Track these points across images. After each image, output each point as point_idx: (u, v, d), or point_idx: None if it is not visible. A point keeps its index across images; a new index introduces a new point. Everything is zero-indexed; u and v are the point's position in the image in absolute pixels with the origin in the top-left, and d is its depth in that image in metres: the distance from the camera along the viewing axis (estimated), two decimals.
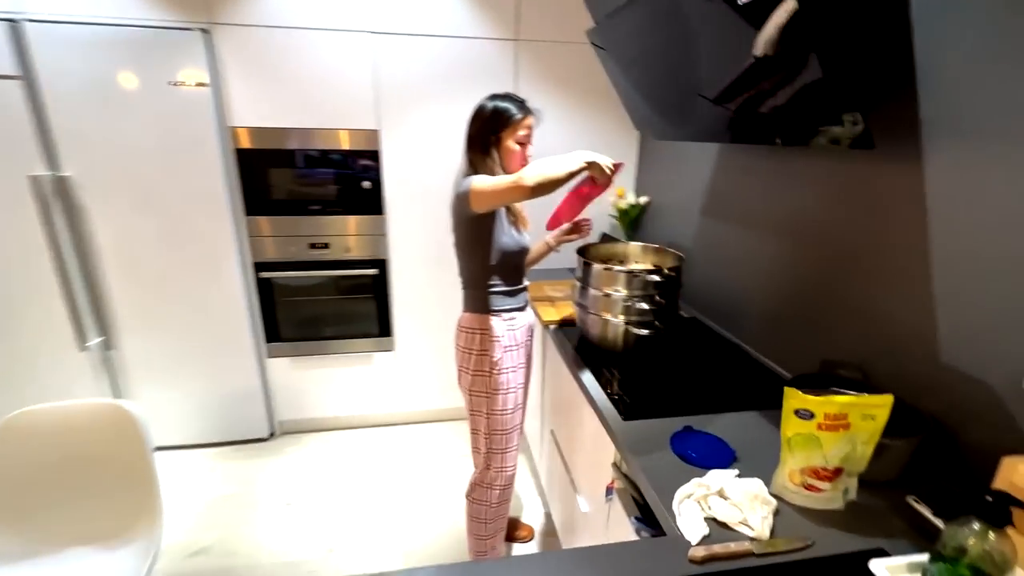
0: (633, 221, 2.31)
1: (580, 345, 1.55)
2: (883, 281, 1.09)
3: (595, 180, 1.29)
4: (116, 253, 2.05)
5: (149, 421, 1.24)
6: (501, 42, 2.15)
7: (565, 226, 1.65)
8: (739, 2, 0.94)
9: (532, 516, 2.02)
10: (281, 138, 2.09)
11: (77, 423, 1.22)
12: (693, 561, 0.75)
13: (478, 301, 1.43)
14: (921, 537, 0.79)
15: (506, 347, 1.43)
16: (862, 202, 1.14)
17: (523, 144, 1.36)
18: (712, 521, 0.83)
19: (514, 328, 1.45)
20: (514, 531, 1.87)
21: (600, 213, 2.37)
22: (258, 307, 2.28)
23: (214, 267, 2.15)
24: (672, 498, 0.87)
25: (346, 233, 2.26)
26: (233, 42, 1.95)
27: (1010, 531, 0.63)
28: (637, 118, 1.96)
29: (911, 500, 0.84)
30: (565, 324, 1.71)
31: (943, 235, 0.95)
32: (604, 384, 1.31)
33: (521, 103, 1.35)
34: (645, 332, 1.39)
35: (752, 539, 0.79)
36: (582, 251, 1.53)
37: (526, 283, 1.52)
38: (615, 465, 1.16)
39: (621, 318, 1.40)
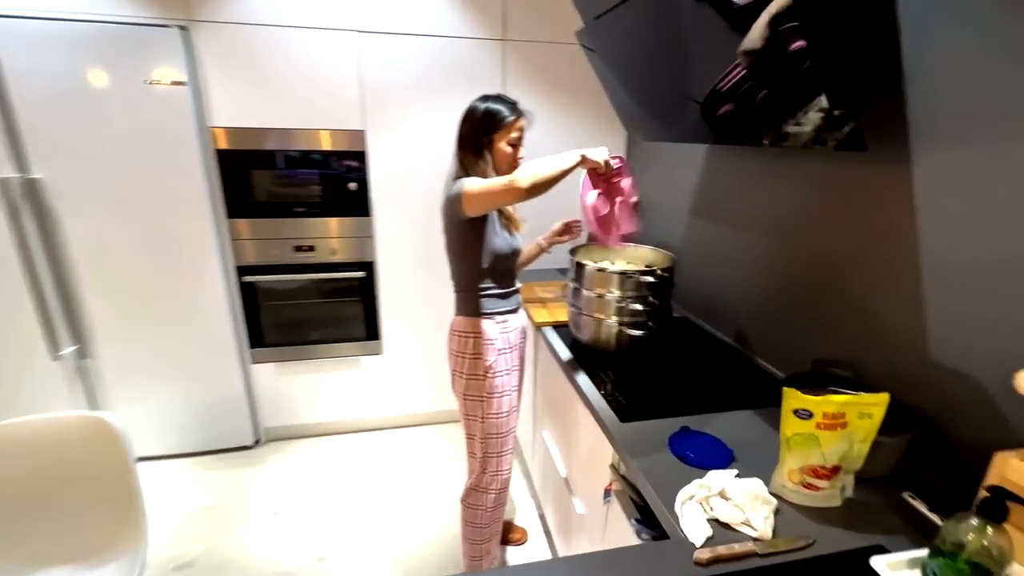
0: None
1: (573, 346, 1.55)
2: (873, 280, 1.11)
3: (599, 172, 1.27)
4: (91, 258, 1.98)
5: (130, 432, 1.19)
6: (488, 42, 2.13)
7: (557, 227, 1.65)
8: (737, 3, 0.94)
9: (526, 518, 2.01)
10: (263, 139, 2.04)
11: (55, 437, 1.16)
12: (698, 563, 0.75)
13: (470, 304, 1.41)
14: (918, 532, 0.81)
15: (500, 350, 1.42)
16: (851, 202, 1.16)
17: (515, 146, 1.35)
18: (714, 522, 0.83)
19: (507, 331, 1.44)
20: (508, 534, 1.86)
21: None
22: (241, 312, 2.23)
23: (195, 271, 2.08)
24: (673, 500, 0.88)
25: (332, 236, 2.22)
26: (213, 40, 1.89)
27: (1007, 526, 0.65)
28: (627, 119, 1.97)
29: (907, 496, 0.85)
30: (557, 326, 1.71)
31: (931, 235, 0.97)
32: (599, 386, 1.31)
33: (513, 105, 1.34)
34: (638, 333, 1.39)
35: (755, 539, 0.79)
36: (574, 252, 1.53)
37: (518, 285, 1.51)
38: (613, 467, 1.16)
39: (614, 319, 1.40)
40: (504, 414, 1.45)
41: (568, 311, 1.54)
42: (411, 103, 2.14)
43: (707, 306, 1.78)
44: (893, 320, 1.06)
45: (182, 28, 1.84)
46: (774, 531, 0.81)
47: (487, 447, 1.47)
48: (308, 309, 2.31)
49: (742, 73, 1.09)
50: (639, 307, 1.37)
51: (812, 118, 1.03)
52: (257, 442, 2.43)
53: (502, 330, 1.43)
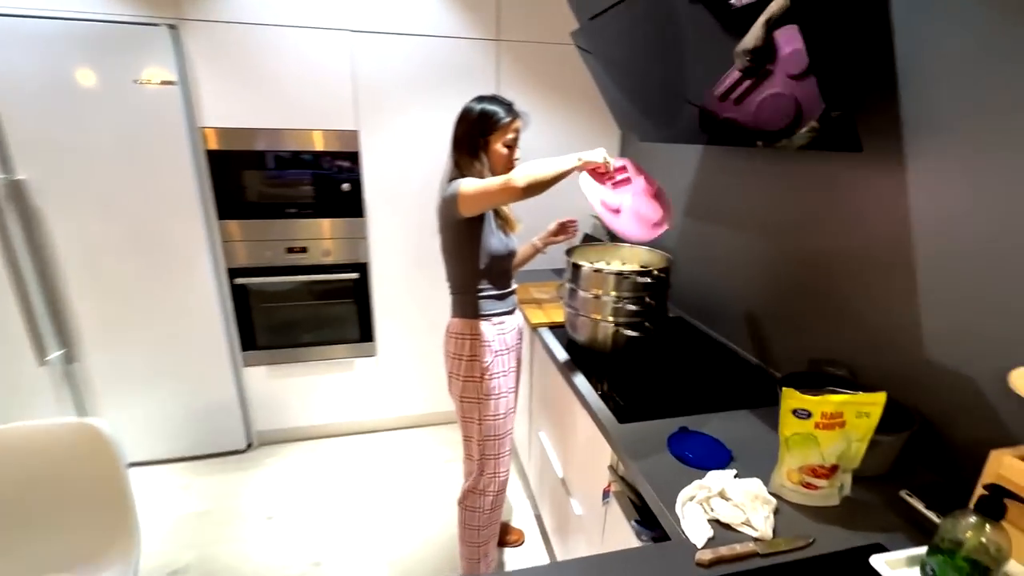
0: None
1: (569, 347, 1.55)
2: (868, 280, 1.12)
3: (600, 172, 1.26)
4: (78, 260, 1.94)
5: (120, 438, 1.17)
6: (482, 42, 2.12)
7: (552, 227, 1.64)
8: (735, 5, 0.95)
9: (522, 520, 2.01)
10: (255, 139, 2.02)
11: (43, 444, 1.14)
12: (700, 565, 0.75)
13: (467, 306, 1.41)
14: (915, 530, 0.82)
15: (497, 352, 1.42)
16: (845, 202, 1.17)
17: (511, 147, 1.35)
18: (714, 523, 0.83)
19: (504, 332, 1.44)
20: (505, 536, 1.86)
21: (583, 214, 2.37)
22: (233, 314, 2.20)
23: (185, 274, 2.05)
24: (673, 501, 0.88)
25: (325, 237, 2.20)
26: (203, 39, 1.87)
27: (1004, 523, 0.65)
28: (621, 120, 1.97)
29: (904, 494, 0.86)
30: (553, 327, 1.71)
31: (926, 233, 0.98)
32: (596, 387, 1.31)
33: (509, 106, 1.34)
34: (635, 333, 1.39)
35: (756, 539, 0.80)
36: (570, 253, 1.53)
37: (515, 286, 1.51)
38: (612, 468, 1.16)
39: (611, 320, 1.41)
40: (501, 416, 1.45)
41: (564, 312, 1.54)
42: (405, 103, 2.13)
43: (702, 306, 1.79)
44: (888, 319, 1.07)
45: (171, 27, 1.81)
46: (774, 531, 0.82)
47: (484, 449, 1.46)
48: (301, 311, 2.29)
49: (738, 75, 1.10)
50: (635, 308, 1.38)
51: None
52: (249, 446, 2.40)
53: (499, 332, 1.42)
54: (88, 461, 1.14)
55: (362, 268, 2.28)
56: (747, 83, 1.09)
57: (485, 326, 1.40)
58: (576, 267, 1.44)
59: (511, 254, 1.45)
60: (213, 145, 1.98)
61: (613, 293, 1.38)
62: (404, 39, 2.05)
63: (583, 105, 2.31)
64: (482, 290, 1.40)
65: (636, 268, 1.49)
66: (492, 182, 1.20)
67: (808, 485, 0.87)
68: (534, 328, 1.74)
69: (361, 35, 2.00)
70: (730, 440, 1.06)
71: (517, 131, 1.35)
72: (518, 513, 2.04)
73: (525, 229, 1.51)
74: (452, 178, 1.33)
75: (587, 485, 1.36)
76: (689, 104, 1.34)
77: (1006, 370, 0.78)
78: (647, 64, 1.44)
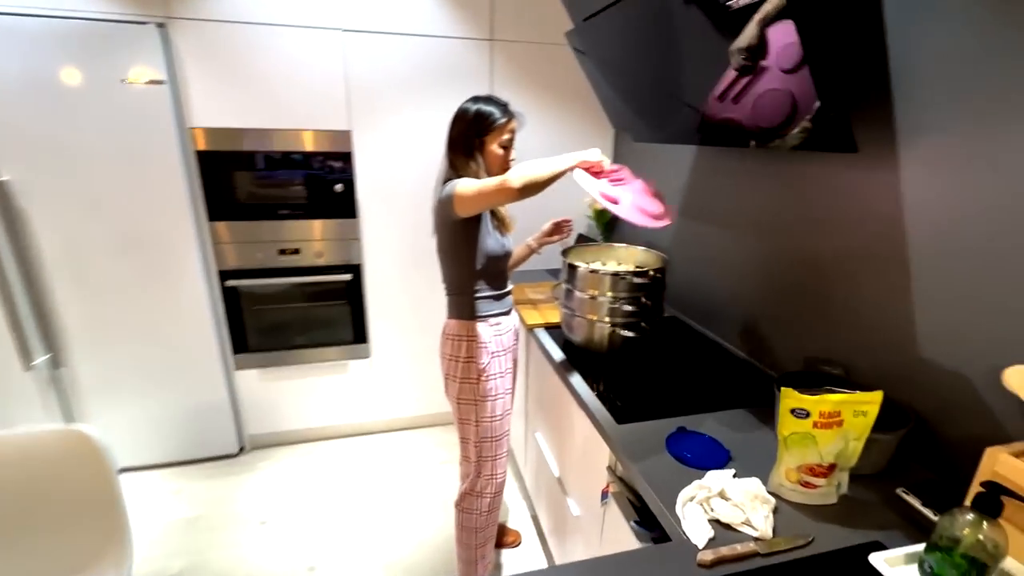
0: (609, 222, 2.33)
1: (565, 348, 1.55)
2: (862, 279, 1.13)
3: (596, 171, 1.25)
4: (64, 263, 1.90)
5: (110, 444, 1.15)
6: (476, 42, 2.12)
7: (547, 227, 1.64)
8: (732, 6, 0.95)
9: (518, 521, 2.01)
10: (246, 139, 1.99)
11: (31, 451, 1.11)
12: (702, 565, 0.75)
13: (464, 307, 1.40)
14: (912, 527, 0.83)
15: (493, 353, 1.41)
16: (839, 202, 1.18)
17: (507, 148, 1.34)
18: (714, 523, 0.84)
19: (501, 333, 1.43)
20: (501, 537, 1.85)
21: (577, 214, 2.38)
22: (224, 317, 2.17)
23: (175, 276, 2.02)
24: (673, 501, 0.88)
25: (317, 238, 2.18)
26: (192, 38, 1.84)
27: (1001, 520, 0.66)
28: (616, 120, 1.97)
29: (901, 492, 0.87)
30: (548, 327, 1.71)
31: (920, 233, 0.99)
32: (593, 387, 1.31)
33: (504, 107, 1.33)
34: (631, 334, 1.40)
35: (756, 539, 0.80)
36: (566, 254, 1.53)
37: (511, 287, 1.50)
38: (610, 468, 1.16)
39: (607, 320, 1.41)
40: (498, 417, 1.44)
41: (560, 313, 1.54)
42: (398, 103, 2.11)
43: (697, 306, 1.80)
44: (883, 318, 1.08)
45: (160, 25, 1.78)
46: (774, 530, 0.82)
47: (481, 451, 1.46)
48: (293, 313, 2.26)
49: (734, 75, 1.10)
50: (632, 308, 1.38)
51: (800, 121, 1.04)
52: (242, 450, 2.37)
53: (495, 333, 1.42)
54: (78, 468, 1.12)
55: (355, 269, 2.26)
56: (743, 81, 1.10)
57: (482, 327, 1.39)
58: (572, 268, 1.44)
59: (507, 255, 1.44)
60: (203, 145, 1.95)
61: (609, 293, 1.38)
62: (397, 39, 2.03)
63: (577, 105, 2.31)
64: (478, 291, 1.39)
65: (632, 268, 1.49)
66: (488, 183, 1.19)
67: (806, 484, 0.87)
68: (530, 329, 1.74)
69: (354, 35, 1.98)
70: (727, 440, 1.06)
71: (513, 131, 1.34)
72: (514, 514, 2.04)
73: (519, 229, 1.51)
74: (447, 179, 1.32)
75: (585, 486, 1.36)
76: (687, 106, 1.34)
77: (1000, 368, 0.79)
78: (641, 65, 1.44)
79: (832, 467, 0.86)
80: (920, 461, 1.00)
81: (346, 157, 2.11)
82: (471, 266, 1.36)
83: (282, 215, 2.11)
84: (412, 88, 2.11)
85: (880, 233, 1.07)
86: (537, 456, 1.80)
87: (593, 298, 1.40)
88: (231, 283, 2.13)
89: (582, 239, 2.44)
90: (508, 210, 1.45)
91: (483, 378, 1.40)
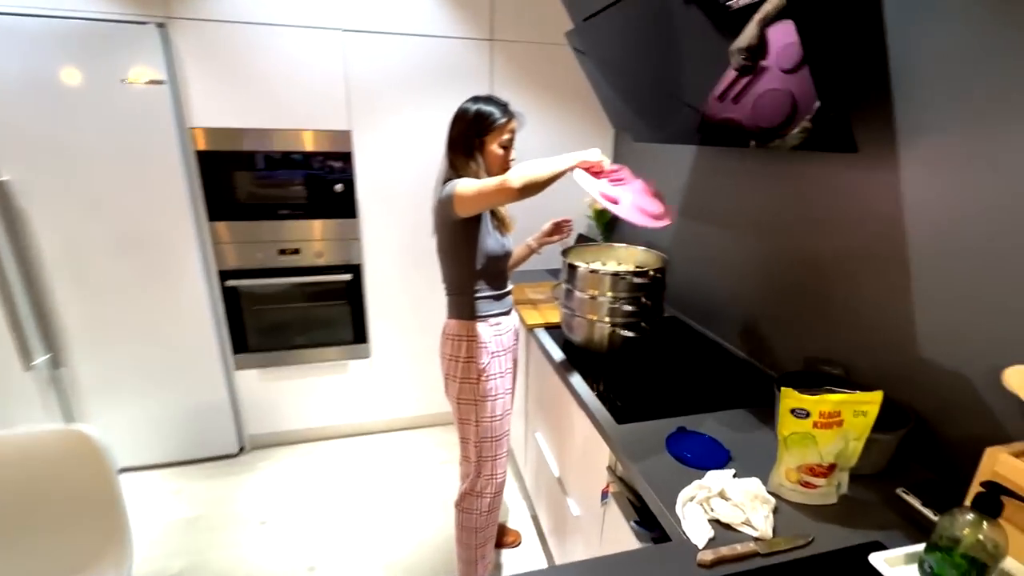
0: (609, 222, 2.33)
1: (565, 348, 1.55)
2: (862, 279, 1.13)
3: (596, 171, 1.25)
4: (65, 263, 1.90)
5: (110, 444, 1.15)
6: (476, 42, 2.12)
7: (547, 227, 1.64)
8: (732, 7, 0.95)
9: (518, 520, 2.01)
10: (246, 140, 1.99)
11: (31, 451, 1.11)
12: (702, 565, 0.75)
13: (464, 307, 1.40)
14: (912, 527, 0.83)
15: (493, 353, 1.41)
16: (839, 202, 1.18)
17: (507, 148, 1.34)
18: (715, 523, 0.84)
19: (501, 333, 1.43)
20: (501, 537, 1.85)
21: (577, 214, 2.38)
22: (224, 317, 2.17)
23: (175, 276, 2.02)
24: (673, 501, 0.88)
25: (317, 238, 2.18)
26: (192, 38, 1.84)
27: (1001, 520, 0.66)
28: (616, 120, 1.97)
29: (901, 492, 0.87)
30: (548, 327, 1.71)
31: (920, 233, 0.99)
32: (593, 387, 1.31)
33: (504, 107, 1.33)
34: (631, 334, 1.40)
35: (756, 539, 0.80)
36: (566, 254, 1.53)
37: (511, 287, 1.50)
38: (610, 468, 1.17)
39: (607, 320, 1.41)
40: (498, 417, 1.44)
41: (560, 313, 1.54)
42: (398, 103, 2.11)
43: (697, 305, 1.80)
44: (883, 318, 1.08)
45: (160, 25, 1.78)
46: (774, 530, 0.82)
47: (481, 451, 1.46)
48: (293, 313, 2.26)
49: (734, 75, 1.10)
50: (632, 308, 1.38)
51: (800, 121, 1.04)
52: (242, 450, 2.37)
53: (496, 332, 1.42)
54: (78, 468, 1.12)
55: (355, 269, 2.26)
56: (743, 81, 1.10)
57: (482, 327, 1.39)
58: (572, 268, 1.44)
59: (507, 255, 1.44)
60: (203, 145, 1.95)
61: (609, 294, 1.38)
62: (397, 39, 2.03)
63: (577, 105, 2.31)
64: (479, 291, 1.39)
65: (632, 268, 1.49)
66: (488, 183, 1.19)
67: (806, 484, 0.87)
68: (530, 329, 1.74)
69: (354, 34, 1.98)
70: (728, 439, 1.06)
71: (513, 132, 1.34)
72: (514, 514, 2.04)
73: (519, 229, 1.51)
74: (447, 179, 1.32)
75: (585, 486, 1.36)
76: (687, 106, 1.34)
77: (1000, 368, 0.79)
78: (641, 65, 1.44)
79: (832, 467, 0.86)
80: (920, 461, 1.00)
81: (346, 157, 2.11)
82: (471, 266, 1.36)
83: (282, 215, 2.11)
84: (412, 88, 2.11)
85: (880, 233, 1.07)
86: (537, 456, 1.80)
87: (593, 298, 1.40)
88: (231, 283, 2.13)
89: (582, 239, 2.44)
90: (508, 210, 1.45)
91: (483, 378, 1.40)
